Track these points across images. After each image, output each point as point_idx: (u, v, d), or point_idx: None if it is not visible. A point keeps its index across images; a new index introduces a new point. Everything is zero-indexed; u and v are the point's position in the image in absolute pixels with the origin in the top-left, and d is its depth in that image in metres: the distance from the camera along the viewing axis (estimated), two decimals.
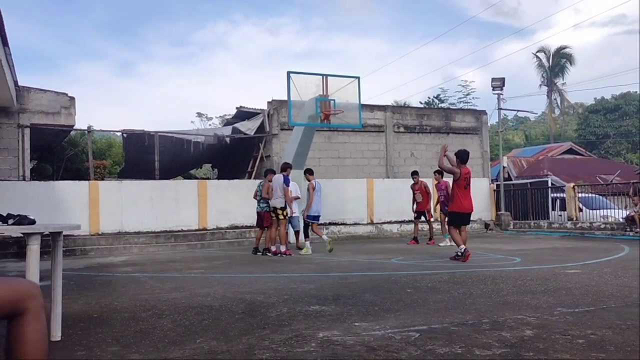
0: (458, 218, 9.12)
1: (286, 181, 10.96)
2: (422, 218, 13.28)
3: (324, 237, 11.46)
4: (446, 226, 12.61)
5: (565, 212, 16.80)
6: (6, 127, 14.17)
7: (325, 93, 12.70)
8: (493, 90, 18.48)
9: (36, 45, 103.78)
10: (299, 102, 12.67)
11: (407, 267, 8.63)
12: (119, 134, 22.05)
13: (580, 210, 16.63)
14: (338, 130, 16.94)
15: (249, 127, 17.46)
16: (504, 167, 20.21)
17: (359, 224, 16.23)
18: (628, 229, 14.01)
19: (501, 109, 19.35)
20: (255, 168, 17.47)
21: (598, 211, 16.30)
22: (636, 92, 44.07)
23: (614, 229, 14.65)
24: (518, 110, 36.51)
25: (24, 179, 14.06)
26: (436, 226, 13.63)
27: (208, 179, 20.78)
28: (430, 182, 13.81)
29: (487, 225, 17.78)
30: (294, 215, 11.44)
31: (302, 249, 11.25)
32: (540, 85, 44.22)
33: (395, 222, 16.60)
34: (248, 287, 6.51)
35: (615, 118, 41.89)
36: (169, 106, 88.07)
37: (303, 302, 5.34)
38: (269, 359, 3.34)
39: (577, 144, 36.07)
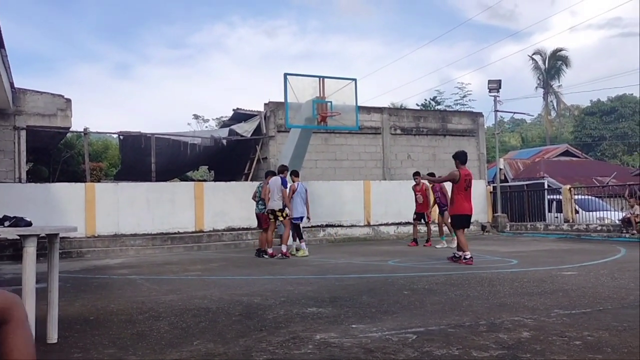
0: (459, 221, 8.99)
1: (284, 183, 10.96)
2: (422, 220, 13.28)
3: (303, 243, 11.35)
4: (444, 228, 12.68)
5: (562, 214, 16.82)
6: (2, 129, 14.14)
7: (322, 95, 12.70)
8: (489, 92, 18.51)
9: (32, 47, 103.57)
10: (296, 104, 12.66)
11: (404, 269, 8.63)
12: (115, 136, 22.06)
13: (577, 212, 16.66)
14: (335, 132, 16.94)
15: (245, 129, 17.45)
16: (500, 169, 20.23)
17: (355, 226, 16.22)
18: (624, 231, 14.04)
19: (497, 111, 19.38)
20: (252, 170, 17.45)
21: (594, 213, 16.32)
22: (632, 94, 44.31)
23: (610, 231, 14.67)
24: (514, 113, 36.39)
25: (20, 181, 14.02)
26: (433, 228, 13.63)
27: (205, 181, 20.73)
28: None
29: (483, 227, 17.80)
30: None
31: (299, 250, 11.25)
32: (536, 87, 44.50)
33: (392, 224, 16.61)
34: (245, 290, 6.51)
35: (611, 120, 42.09)
36: (166, 108, 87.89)
37: (300, 304, 5.33)
38: None
39: (574, 146, 36.20)
